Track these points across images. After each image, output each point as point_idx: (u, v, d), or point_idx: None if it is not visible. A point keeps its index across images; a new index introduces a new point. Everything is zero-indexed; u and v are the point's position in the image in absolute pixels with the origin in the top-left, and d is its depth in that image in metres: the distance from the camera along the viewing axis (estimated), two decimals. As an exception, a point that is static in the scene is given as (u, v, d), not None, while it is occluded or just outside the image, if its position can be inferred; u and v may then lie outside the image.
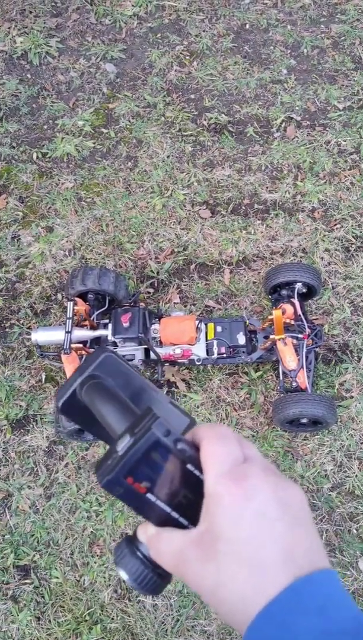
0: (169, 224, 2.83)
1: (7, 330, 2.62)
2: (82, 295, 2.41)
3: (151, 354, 2.29)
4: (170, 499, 0.52)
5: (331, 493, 2.27)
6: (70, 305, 2.23)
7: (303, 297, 2.44)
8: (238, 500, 0.48)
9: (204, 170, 2.98)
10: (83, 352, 2.27)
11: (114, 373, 0.60)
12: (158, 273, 2.71)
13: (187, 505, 0.52)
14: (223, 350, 2.33)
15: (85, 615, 2.11)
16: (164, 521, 0.53)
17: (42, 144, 3.09)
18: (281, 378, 2.32)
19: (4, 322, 2.64)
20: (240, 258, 2.74)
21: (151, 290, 2.68)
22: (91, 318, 2.35)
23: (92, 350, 2.29)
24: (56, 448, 2.38)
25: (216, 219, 2.84)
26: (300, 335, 2.27)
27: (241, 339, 2.35)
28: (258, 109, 3.16)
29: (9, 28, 3.41)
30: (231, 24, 3.45)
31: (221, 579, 0.48)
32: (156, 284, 2.70)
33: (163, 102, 3.19)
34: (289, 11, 3.50)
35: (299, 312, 2.33)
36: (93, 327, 2.35)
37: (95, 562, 2.18)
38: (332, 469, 2.31)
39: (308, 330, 2.30)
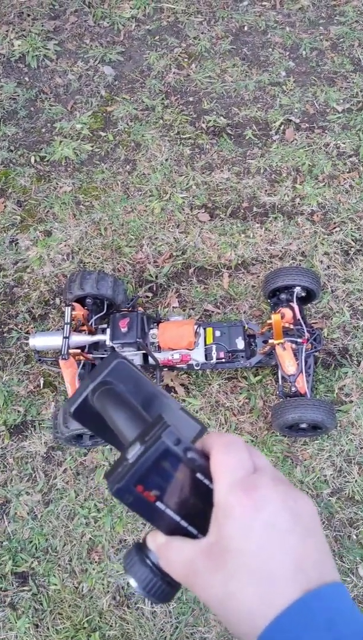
0: (168, 228, 2.82)
1: (5, 335, 2.61)
2: (81, 300, 2.40)
3: (150, 359, 2.28)
4: (180, 508, 0.52)
5: (330, 498, 2.26)
6: (67, 310, 2.22)
7: (303, 301, 2.43)
8: (248, 511, 0.48)
9: (203, 173, 2.97)
10: (81, 357, 2.26)
11: (125, 379, 0.61)
12: (156, 277, 2.70)
13: (197, 514, 0.52)
14: (221, 355, 2.32)
15: (83, 623, 2.10)
16: (173, 530, 0.52)
17: (40, 148, 3.08)
18: (280, 383, 2.31)
19: (2, 326, 2.63)
20: (239, 262, 2.73)
21: (150, 295, 2.67)
22: (89, 323, 2.34)
23: (90, 355, 2.28)
24: (54, 454, 2.37)
25: (215, 222, 2.83)
26: (299, 340, 2.26)
27: (240, 344, 2.34)
28: (256, 111, 3.15)
29: (6, 31, 3.40)
30: (229, 26, 3.44)
31: (230, 590, 0.48)
32: (154, 288, 2.69)
33: (162, 104, 3.18)
34: (287, 13, 3.49)
35: (298, 316, 2.32)
36: (91, 332, 2.34)
37: (93, 569, 2.17)
38: (331, 474, 2.30)
39: (307, 335, 2.29)
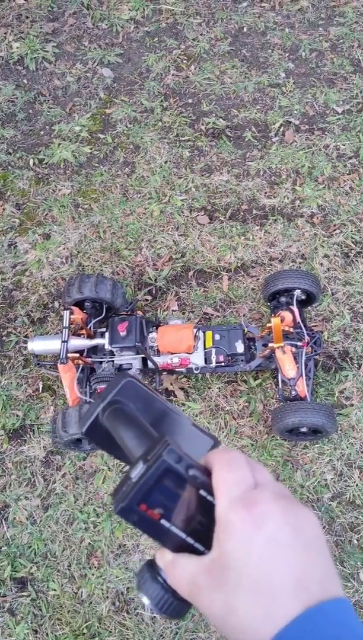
0: (167, 230, 2.81)
1: (3, 338, 2.60)
2: (79, 304, 2.38)
3: (149, 363, 2.27)
4: (184, 525, 0.52)
5: (331, 503, 2.24)
6: (66, 314, 2.21)
7: (302, 303, 2.41)
8: (248, 526, 0.48)
9: (202, 175, 2.96)
10: (80, 361, 2.25)
11: (135, 398, 0.62)
12: (155, 280, 2.69)
13: (202, 530, 0.52)
14: (221, 358, 2.30)
15: (83, 629, 2.09)
16: (179, 547, 0.53)
17: (38, 150, 3.07)
18: (280, 386, 2.30)
19: (1, 330, 2.62)
20: (239, 264, 2.72)
21: (149, 298, 2.66)
22: (88, 327, 2.33)
23: (88, 359, 2.27)
24: (53, 458, 2.36)
25: (215, 225, 2.82)
26: (299, 343, 2.25)
27: (240, 347, 2.32)
28: (256, 113, 3.14)
29: (5, 33, 3.39)
30: (228, 28, 3.43)
31: (232, 606, 0.48)
32: (154, 291, 2.68)
33: (160, 107, 3.17)
34: (287, 14, 3.48)
35: (298, 319, 2.30)
36: (90, 336, 2.32)
37: (93, 574, 2.16)
38: (332, 478, 2.28)
39: (307, 338, 2.27)
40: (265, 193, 2.91)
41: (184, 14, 3.48)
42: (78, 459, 2.34)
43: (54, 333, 2.58)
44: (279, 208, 2.86)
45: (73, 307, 2.29)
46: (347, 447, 2.33)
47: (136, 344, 2.19)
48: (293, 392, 2.24)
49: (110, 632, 2.08)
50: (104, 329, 2.35)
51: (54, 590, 2.14)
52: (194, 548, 0.53)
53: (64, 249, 2.78)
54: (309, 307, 2.56)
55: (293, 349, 2.25)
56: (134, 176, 2.97)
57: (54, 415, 2.35)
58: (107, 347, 2.26)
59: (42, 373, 2.49)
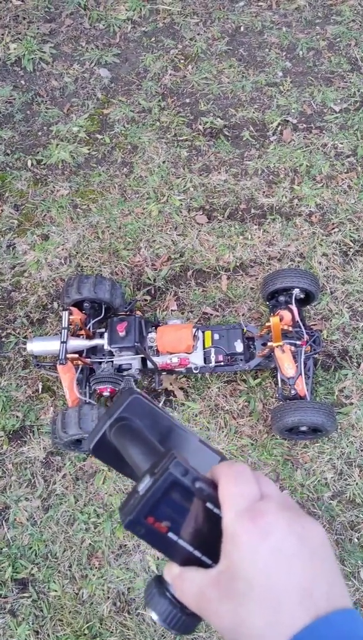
0: (166, 230, 2.81)
1: (3, 339, 2.60)
2: (78, 304, 2.39)
3: (148, 363, 2.27)
4: (192, 538, 0.52)
5: (331, 502, 2.24)
6: (65, 315, 2.21)
7: (301, 302, 2.41)
8: (254, 538, 0.48)
9: (201, 175, 2.96)
10: (79, 362, 2.25)
11: (141, 414, 0.62)
12: (154, 280, 2.69)
13: (209, 543, 0.52)
14: (220, 358, 2.30)
15: (84, 629, 2.09)
16: (187, 560, 0.53)
17: (36, 151, 3.07)
18: (279, 385, 2.30)
19: (0, 331, 2.62)
20: (237, 264, 2.72)
21: (148, 298, 2.66)
22: (87, 327, 2.33)
23: (88, 359, 2.27)
24: (53, 459, 2.36)
25: (213, 224, 2.82)
26: (298, 342, 2.25)
27: (239, 347, 2.32)
28: (253, 112, 3.14)
29: (2, 34, 3.39)
30: (225, 27, 3.43)
31: (239, 617, 0.48)
32: (153, 291, 2.68)
33: (158, 106, 3.17)
34: (284, 13, 3.48)
35: (297, 318, 2.31)
36: (89, 337, 2.32)
37: (94, 575, 2.16)
38: (332, 477, 2.28)
39: (306, 337, 2.27)
40: (263, 192, 2.90)
41: (181, 14, 3.47)
42: (78, 460, 2.34)
43: (53, 334, 2.58)
44: (277, 207, 2.86)
45: (72, 308, 2.29)
46: (347, 446, 2.33)
47: (135, 344, 2.19)
48: (293, 391, 2.24)
49: (111, 632, 2.08)
50: (103, 330, 2.35)
51: (55, 591, 2.14)
52: (201, 561, 0.53)
53: (62, 249, 2.78)
54: (308, 306, 2.56)
55: (292, 348, 2.25)
56: (132, 176, 2.97)
57: (53, 416, 2.35)
58: (106, 347, 2.26)
59: (41, 374, 2.49)
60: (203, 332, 2.37)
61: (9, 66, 3.33)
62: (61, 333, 2.17)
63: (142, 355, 2.26)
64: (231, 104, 3.17)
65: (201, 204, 2.87)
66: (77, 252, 2.77)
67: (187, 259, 2.74)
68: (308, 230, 2.78)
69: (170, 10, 3.48)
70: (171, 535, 0.52)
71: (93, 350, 2.34)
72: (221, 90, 3.21)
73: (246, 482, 0.52)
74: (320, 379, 2.47)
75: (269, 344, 2.22)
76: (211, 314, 2.61)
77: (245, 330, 2.38)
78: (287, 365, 2.23)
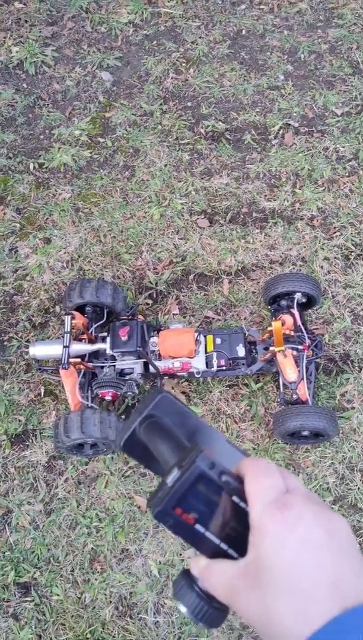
0: (168, 234, 2.82)
1: (5, 343, 2.61)
2: (80, 308, 2.39)
3: (150, 368, 2.27)
4: (218, 531, 0.54)
5: (333, 506, 2.25)
6: (67, 319, 2.21)
7: (303, 306, 2.42)
8: (281, 528, 0.49)
9: (202, 178, 2.96)
10: (81, 366, 2.25)
11: (170, 413, 0.64)
12: (156, 284, 2.69)
13: (235, 537, 0.54)
14: (222, 362, 2.31)
15: (86, 633, 2.09)
16: (214, 553, 0.55)
17: (38, 154, 3.07)
18: (281, 390, 2.30)
19: (2, 335, 2.63)
20: (239, 268, 2.72)
21: (150, 302, 2.66)
22: (89, 331, 2.33)
23: (90, 364, 2.28)
24: (55, 463, 2.36)
25: (215, 228, 2.83)
26: (300, 347, 2.25)
27: (241, 351, 2.33)
28: (255, 115, 3.14)
29: (4, 37, 3.39)
30: (227, 30, 3.43)
31: (267, 606, 0.49)
32: (154, 295, 2.68)
33: (160, 110, 3.17)
34: (285, 16, 3.48)
35: (299, 322, 2.31)
36: (91, 341, 2.33)
37: (96, 579, 2.16)
38: (333, 482, 2.29)
39: (308, 341, 2.28)
40: (265, 196, 2.91)
41: (182, 17, 3.48)
42: (80, 464, 2.35)
43: (55, 338, 2.59)
44: (279, 211, 2.86)
45: (74, 312, 2.30)
46: (349, 451, 2.34)
47: (138, 348, 2.20)
48: (295, 396, 2.25)
49: (113, 637, 2.09)
50: (105, 334, 2.36)
51: (58, 595, 2.15)
52: (227, 554, 0.54)
53: (64, 253, 2.79)
54: (309, 310, 2.56)
55: (294, 353, 2.26)
56: (134, 180, 2.98)
57: (56, 420, 2.36)
58: (108, 351, 2.26)
59: (43, 378, 2.49)
60: (205, 336, 2.37)
61: (11, 69, 3.33)
62: (63, 337, 2.18)
63: (144, 360, 2.26)
64: (233, 108, 3.18)
65: (203, 207, 2.88)
66: (79, 256, 2.78)
67: (189, 262, 2.75)
68: (309, 234, 2.79)
69: (172, 13, 3.49)
70: (198, 527, 0.54)
71: (95, 355, 2.34)
72: (222, 93, 3.21)
73: (272, 476, 0.54)
74: (322, 383, 2.47)
75: (271, 348, 2.23)
76: (213, 318, 2.62)
77: (246, 335, 2.38)
78: (289, 370, 2.23)
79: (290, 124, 3.11)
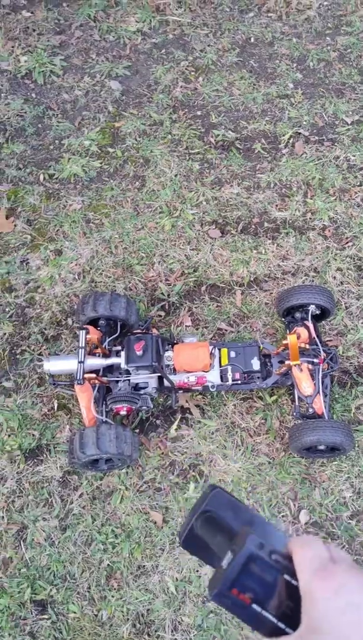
0: (179, 245, 2.80)
1: (18, 357, 2.59)
2: (93, 322, 2.38)
3: (165, 382, 2.26)
4: (274, 609, 0.57)
5: (350, 521, 2.23)
6: (82, 334, 2.20)
7: (317, 318, 2.41)
8: (328, 594, 0.54)
9: (213, 188, 2.95)
10: (96, 381, 2.24)
11: (224, 507, 0.67)
12: (168, 295, 2.68)
13: (291, 615, 0.57)
14: (237, 376, 2.29)
15: (104, 651, 2.08)
16: (271, 631, 0.57)
17: (48, 165, 3.06)
18: (296, 403, 2.29)
19: (15, 348, 2.61)
20: (251, 279, 2.71)
21: (162, 314, 2.65)
22: (103, 345, 2.32)
23: (104, 378, 2.26)
24: (70, 478, 2.35)
25: (226, 238, 2.81)
26: (315, 360, 2.24)
27: (256, 365, 2.31)
28: (265, 124, 3.13)
29: (12, 47, 3.38)
30: (236, 38, 3.42)
31: None
32: (167, 307, 2.67)
33: (169, 119, 3.16)
34: (294, 24, 3.47)
35: (313, 335, 2.30)
36: (105, 355, 2.32)
37: (113, 596, 2.15)
38: (350, 496, 2.27)
39: (323, 354, 2.26)
40: (276, 206, 2.90)
41: (191, 25, 3.47)
42: (95, 479, 2.33)
43: (68, 351, 2.57)
44: (291, 221, 2.85)
45: (88, 327, 2.28)
46: (365, 464, 2.32)
47: (153, 363, 2.18)
48: (311, 410, 2.23)
49: (131, 654, 2.07)
50: (119, 348, 2.34)
51: (74, 612, 2.14)
52: (284, 632, 0.57)
53: (76, 265, 2.78)
54: (323, 322, 2.55)
55: (310, 366, 2.24)
56: (144, 190, 2.96)
57: (71, 435, 2.35)
58: (123, 366, 2.25)
59: (57, 391, 2.48)
60: (219, 349, 2.36)
61: (20, 79, 3.32)
62: (78, 352, 2.16)
63: (159, 374, 2.25)
64: (243, 116, 3.17)
65: (214, 217, 2.87)
66: (90, 268, 2.76)
67: (201, 273, 2.73)
68: (322, 244, 2.77)
69: (180, 21, 3.48)
70: (255, 606, 0.57)
71: (109, 369, 2.33)
72: (232, 102, 3.20)
73: (316, 547, 0.58)
74: (337, 395, 2.46)
75: (286, 362, 2.21)
76: (226, 330, 2.60)
77: (261, 348, 2.37)
78: (305, 384, 2.22)
79: (300, 133, 3.10)
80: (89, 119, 3.19)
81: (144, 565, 2.19)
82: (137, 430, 2.41)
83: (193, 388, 2.32)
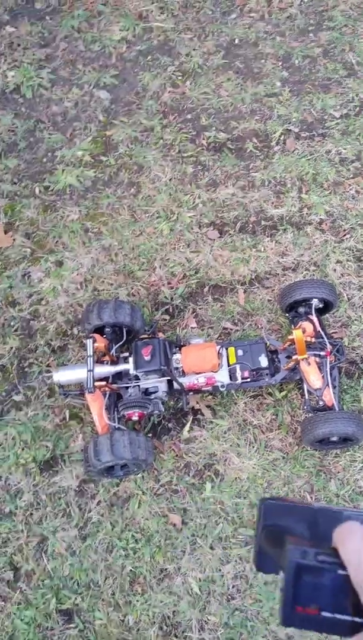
0: (179, 248, 2.82)
1: (26, 370, 2.60)
2: (99, 329, 2.39)
3: (175, 385, 2.27)
4: (345, 608, 0.55)
5: (368, 510, 2.24)
6: (89, 342, 2.21)
7: (320, 311, 2.42)
8: None
9: (208, 190, 2.97)
10: (106, 388, 2.25)
11: (281, 515, 0.65)
12: (171, 299, 2.70)
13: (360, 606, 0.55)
14: (246, 374, 2.31)
15: (133, 656, 2.09)
16: (352, 630, 0.55)
17: (43, 178, 3.08)
18: (306, 397, 2.30)
19: (22, 361, 2.63)
20: (253, 277, 2.73)
21: (167, 317, 2.66)
22: (111, 352, 2.33)
23: (114, 385, 2.27)
24: (86, 487, 2.36)
25: (225, 238, 2.83)
26: (322, 353, 2.26)
27: (264, 361, 2.33)
28: (255, 123, 3.15)
29: (-1, 63, 3.40)
30: (220, 40, 3.45)
31: None
32: (171, 310, 2.68)
33: (160, 124, 3.18)
34: (277, 22, 3.50)
35: (318, 328, 2.31)
36: (113, 362, 2.33)
37: (137, 601, 2.16)
38: (366, 486, 2.29)
39: (329, 347, 2.28)
40: (272, 203, 2.92)
41: (174, 30, 3.49)
42: (111, 485, 2.34)
43: (76, 361, 2.59)
44: (287, 217, 2.87)
45: (95, 335, 2.30)
46: (378, 453, 2.34)
47: (161, 367, 2.20)
48: (321, 402, 2.25)
49: (160, 657, 2.08)
50: (126, 354, 2.36)
51: (101, 619, 2.14)
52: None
53: (77, 274, 2.79)
54: (327, 315, 2.56)
55: (317, 359, 2.26)
56: (140, 196, 2.98)
57: (85, 444, 2.36)
58: (132, 372, 2.26)
59: (67, 401, 2.49)
60: (226, 348, 2.37)
61: (8, 94, 3.34)
62: (86, 361, 2.18)
63: (168, 378, 2.26)
64: (233, 117, 3.19)
65: (212, 219, 2.88)
66: (92, 276, 2.78)
67: (202, 275, 2.75)
68: (320, 238, 2.79)
69: (163, 27, 3.50)
70: (325, 614, 0.54)
71: (118, 375, 2.34)
72: (221, 103, 3.23)
73: (354, 538, 0.57)
74: (345, 386, 2.47)
75: (294, 357, 2.23)
76: (231, 329, 2.62)
77: (268, 344, 2.38)
78: (314, 377, 2.23)
79: (290, 130, 3.12)
80: (80, 129, 3.21)
81: (166, 568, 2.20)
82: (150, 435, 2.42)
83: (203, 389, 2.33)
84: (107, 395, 2.30)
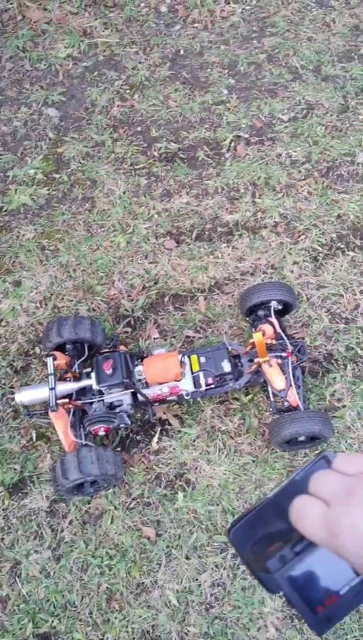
0: (137, 260, 2.82)
1: (-11, 393, 2.57)
2: (60, 347, 2.37)
3: (139, 397, 2.26)
4: (347, 573, 0.54)
5: (340, 507, 2.25)
6: (49, 360, 2.19)
7: (280, 313, 2.44)
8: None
9: (163, 200, 2.98)
10: (70, 405, 2.23)
11: (252, 530, 0.63)
12: (132, 311, 2.69)
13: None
14: (210, 380, 2.31)
15: (114, 675, 2.05)
16: None
17: (-4, 198, 3.06)
18: (272, 399, 2.31)
19: (-15, 385, 2.59)
20: (212, 283, 2.74)
21: (129, 329, 2.66)
22: (73, 369, 2.32)
23: (78, 402, 2.25)
24: (57, 507, 2.33)
25: (182, 247, 2.84)
26: (283, 354, 2.27)
27: (227, 367, 2.33)
28: (205, 132, 3.18)
29: None
30: (165, 52, 3.48)
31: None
32: (133, 322, 2.68)
33: (111, 138, 3.19)
34: (220, 31, 3.54)
35: (279, 330, 2.33)
36: (76, 378, 2.31)
37: (116, 618, 2.13)
38: (336, 482, 2.29)
39: (290, 348, 2.29)
40: (227, 209, 2.94)
41: (119, 45, 3.52)
42: (83, 503, 2.32)
43: (39, 380, 2.56)
44: (242, 222, 2.89)
45: (55, 352, 2.28)
46: (346, 448, 2.36)
47: (124, 380, 2.19)
48: (286, 403, 2.26)
49: (142, 674, 2.05)
50: (89, 369, 2.34)
51: (79, 640, 2.11)
52: None
53: (36, 293, 2.77)
54: (287, 316, 2.58)
55: (279, 361, 2.27)
56: (95, 211, 2.98)
57: (52, 463, 2.33)
58: (95, 387, 2.25)
59: (33, 422, 2.46)
60: (189, 356, 2.37)
61: None
62: (48, 380, 2.16)
63: (132, 390, 2.25)
64: (182, 127, 3.21)
65: (168, 229, 2.89)
66: (51, 294, 2.76)
67: (162, 285, 2.75)
68: (275, 240, 2.82)
69: (108, 42, 3.52)
70: (343, 591, 0.54)
71: (82, 391, 2.32)
72: (170, 114, 3.25)
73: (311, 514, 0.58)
74: (310, 386, 2.49)
75: (256, 360, 2.24)
76: (194, 337, 2.62)
77: (230, 349, 2.39)
78: (277, 379, 2.24)
79: (240, 136, 3.16)
80: (31, 148, 3.20)
81: (143, 582, 2.18)
82: (119, 449, 2.40)
83: (168, 399, 2.33)
84: (71, 412, 2.28)
